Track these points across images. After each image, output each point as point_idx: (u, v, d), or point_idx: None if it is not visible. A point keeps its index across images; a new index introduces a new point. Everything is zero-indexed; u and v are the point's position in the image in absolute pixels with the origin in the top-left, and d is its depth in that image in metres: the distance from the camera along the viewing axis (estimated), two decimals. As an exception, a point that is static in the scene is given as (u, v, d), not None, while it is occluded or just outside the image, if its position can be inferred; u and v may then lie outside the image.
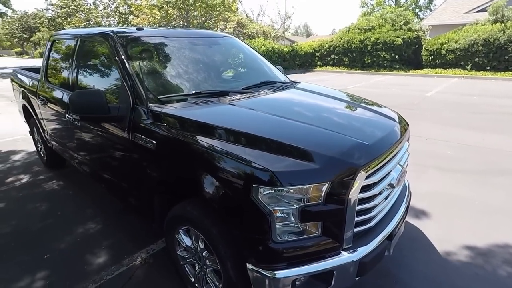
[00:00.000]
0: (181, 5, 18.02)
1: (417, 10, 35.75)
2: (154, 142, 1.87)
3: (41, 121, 3.69)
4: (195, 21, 20.61)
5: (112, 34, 2.38)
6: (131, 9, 22.35)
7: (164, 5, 18.14)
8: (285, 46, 18.17)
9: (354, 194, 1.51)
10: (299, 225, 1.49)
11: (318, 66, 18.73)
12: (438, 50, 15.29)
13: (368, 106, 2.30)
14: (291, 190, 1.42)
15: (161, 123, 1.88)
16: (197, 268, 1.94)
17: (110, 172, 2.59)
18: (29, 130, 4.54)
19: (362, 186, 1.56)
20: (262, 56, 3.36)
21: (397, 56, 15.99)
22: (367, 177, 1.56)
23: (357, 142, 1.64)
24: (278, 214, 1.45)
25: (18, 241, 2.73)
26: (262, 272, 1.50)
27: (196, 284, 1.98)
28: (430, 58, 15.72)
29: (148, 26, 20.57)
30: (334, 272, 1.55)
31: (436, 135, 5.51)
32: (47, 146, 3.90)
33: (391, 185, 1.79)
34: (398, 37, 15.83)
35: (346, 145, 1.61)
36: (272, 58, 16.43)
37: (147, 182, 2.04)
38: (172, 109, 1.96)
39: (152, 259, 2.45)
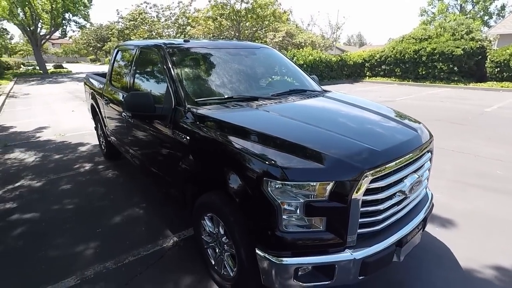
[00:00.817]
0: (234, 17, 18.96)
1: (486, 17, 32.80)
2: (188, 138, 2.18)
3: (104, 118, 4.31)
4: (246, 31, 21.49)
5: (162, 45, 2.79)
6: (189, 21, 24.04)
7: (218, 17, 19.25)
8: (333, 56, 18.02)
9: (358, 195, 1.62)
10: (304, 219, 1.65)
11: (367, 77, 18.20)
12: (506, 61, 13.93)
13: (390, 116, 2.36)
14: (298, 186, 1.59)
15: (195, 122, 2.19)
16: (217, 252, 2.19)
17: (153, 164, 2.97)
18: (94, 126, 5.26)
19: (368, 188, 1.66)
20: (297, 66, 3.54)
21: (455, 68, 14.90)
22: (373, 181, 1.66)
23: (366, 148, 1.75)
24: (285, 206, 1.63)
25: (79, 216, 3.25)
26: (268, 257, 1.68)
27: (216, 267, 2.22)
28: (496, 70, 14.37)
29: (197, 38, 21.97)
30: (336, 266, 1.67)
31: (488, 153, 5.12)
32: (107, 140, 4.51)
33: (402, 192, 1.85)
34: (458, 47, 14.77)
35: (354, 149, 1.73)
36: (319, 67, 16.43)
37: (181, 173, 2.35)
38: (205, 110, 2.25)
39: (182, 243, 2.76)
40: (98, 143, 5.46)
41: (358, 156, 1.69)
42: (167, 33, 29.73)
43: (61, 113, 9.06)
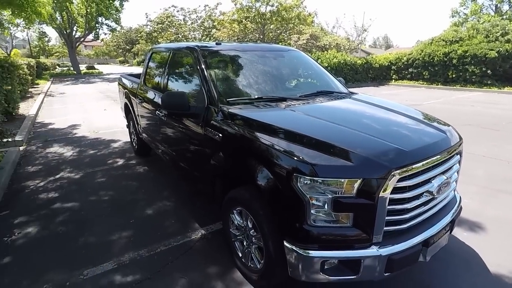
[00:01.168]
0: (259, 19, 19.16)
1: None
2: (220, 135, 2.31)
3: (137, 116, 4.55)
4: (270, 34, 21.64)
5: (196, 47, 2.95)
6: (214, 24, 24.54)
7: (243, 20, 19.53)
8: (358, 58, 17.76)
9: (385, 193, 1.67)
10: (331, 214, 1.71)
11: (393, 80, 17.77)
12: (545, 65, 13.15)
13: (419, 118, 2.37)
14: (326, 182, 1.67)
15: (227, 120, 2.31)
16: (244, 244, 2.29)
17: (183, 159, 3.14)
18: (127, 124, 5.55)
19: (395, 187, 1.71)
20: (324, 69, 3.59)
21: (489, 71, 14.24)
22: (400, 180, 1.71)
23: (394, 147, 1.79)
24: (314, 201, 1.70)
25: (113, 207, 3.48)
26: (296, 249, 1.76)
27: (243, 259, 2.32)
28: (534, 74, 13.59)
29: (227, 40, 22.35)
30: (362, 262, 1.73)
31: (522, 160, 4.91)
32: (139, 137, 4.76)
33: (429, 193, 1.88)
34: (492, 49, 14.11)
35: (382, 149, 1.78)
36: (343, 70, 16.25)
37: (211, 169, 2.47)
38: (237, 109, 2.37)
39: (210, 236, 2.90)
40: (129, 140, 5.75)
41: (386, 155, 1.74)
42: (193, 36, 30.50)
43: (94, 111, 9.57)
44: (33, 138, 6.54)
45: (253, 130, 2.10)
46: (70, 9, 23.06)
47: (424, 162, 1.81)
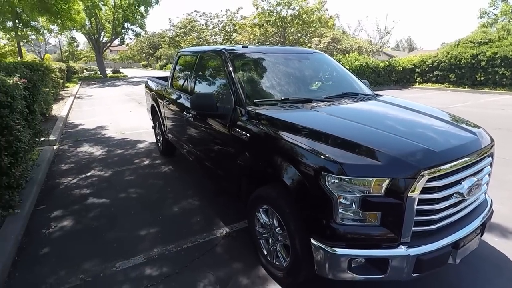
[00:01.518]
0: (279, 23, 19.25)
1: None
2: (247, 135, 2.37)
3: (163, 118, 4.72)
4: (291, 37, 21.67)
5: (224, 50, 3.04)
6: (235, 28, 24.87)
7: (264, 23, 19.68)
8: (380, 61, 17.44)
9: (414, 193, 1.67)
10: (359, 212, 1.73)
11: (417, 83, 17.31)
12: None
13: (448, 119, 2.34)
14: (354, 180, 1.69)
15: (254, 120, 2.38)
16: (270, 242, 2.33)
17: (209, 159, 3.23)
18: (152, 125, 5.75)
19: (424, 187, 1.70)
20: (348, 71, 3.60)
21: (521, 74, 13.58)
22: (429, 180, 1.70)
23: (423, 148, 1.79)
24: (342, 200, 1.73)
25: (141, 204, 3.62)
26: (323, 247, 1.79)
27: (268, 257, 2.37)
28: None
29: (251, 43, 22.57)
30: (390, 261, 1.73)
31: (558, 166, 4.67)
32: (164, 138, 4.93)
33: (460, 194, 1.85)
34: (524, 51, 13.47)
35: (411, 149, 1.78)
36: (365, 73, 16.01)
37: (237, 168, 2.54)
38: (264, 110, 2.43)
39: (235, 234, 2.96)
40: (154, 141, 5.95)
41: (415, 155, 1.74)
42: (214, 40, 31.05)
43: (120, 113, 9.95)
44: (65, 138, 6.89)
45: (279, 130, 2.15)
46: (98, 15, 24.12)
47: (453, 163, 1.79)
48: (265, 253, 2.40)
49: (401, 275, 1.77)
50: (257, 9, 19.69)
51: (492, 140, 2.22)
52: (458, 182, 1.86)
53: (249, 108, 2.50)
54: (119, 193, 3.95)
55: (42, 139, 5.72)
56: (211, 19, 31.67)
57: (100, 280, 2.39)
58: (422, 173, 1.67)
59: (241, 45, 3.30)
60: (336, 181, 1.71)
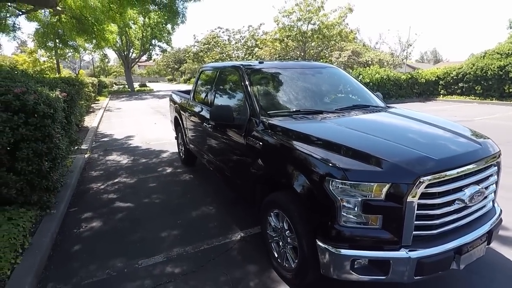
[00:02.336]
0: (300, 37, 19.60)
1: None
2: (261, 144, 2.56)
3: (185, 129, 5.02)
4: (311, 51, 21.95)
5: (241, 66, 3.29)
6: (257, 43, 25.53)
7: (285, 38, 20.11)
8: (402, 73, 17.24)
9: (413, 198, 1.77)
10: (361, 215, 1.85)
11: (441, 95, 16.89)
12: None
13: (454, 129, 2.41)
14: (356, 185, 1.82)
15: (267, 130, 2.56)
16: (280, 245, 2.47)
17: (227, 166, 3.43)
18: (175, 136, 6.08)
19: (424, 193, 1.80)
20: (361, 84, 3.72)
21: (554, 85, 12.96)
22: (428, 186, 1.80)
23: (422, 155, 1.90)
24: (345, 203, 1.86)
25: (163, 209, 3.87)
26: (328, 248, 1.91)
27: (279, 259, 2.50)
28: None
29: (269, 58, 23.04)
30: (391, 263, 1.82)
31: None
32: (186, 148, 5.21)
33: (461, 201, 1.93)
34: (557, 62, 12.89)
35: (411, 157, 1.89)
36: (386, 86, 15.88)
37: (252, 175, 2.72)
38: (276, 121, 2.62)
39: (249, 238, 3.12)
40: (176, 151, 6.27)
41: (414, 162, 1.85)
42: (236, 55, 31.97)
43: (146, 124, 10.48)
44: (95, 147, 7.39)
45: (290, 139, 2.33)
46: (128, 33, 25.66)
47: (454, 171, 1.88)
48: (276, 255, 2.53)
49: (403, 277, 1.85)
50: (278, 24, 20.23)
51: (499, 151, 2.27)
52: (460, 189, 1.93)
53: (263, 119, 2.69)
54: (143, 198, 4.23)
55: (76, 147, 6.21)
56: (233, 34, 32.79)
57: (124, 275, 2.61)
58: (420, 179, 1.77)
59: (258, 61, 3.54)
60: (340, 185, 1.85)
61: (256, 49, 26.29)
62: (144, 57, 31.84)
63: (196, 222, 3.53)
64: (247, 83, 3.04)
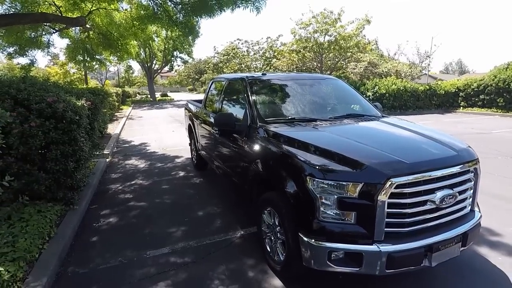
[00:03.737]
0: (316, 49, 19.88)
1: None
2: (257, 147, 2.84)
3: (197, 135, 5.38)
4: (328, 62, 22.14)
5: (245, 78, 3.61)
6: (275, 54, 26.04)
7: (301, 50, 20.46)
8: (420, 85, 17.04)
9: (383, 197, 1.98)
10: (338, 212, 2.07)
11: (461, 107, 16.51)
12: None
13: (435, 137, 2.56)
14: (333, 184, 2.05)
15: (263, 136, 2.85)
16: (272, 240, 2.71)
17: (231, 169, 3.72)
18: (189, 142, 6.47)
19: (395, 193, 2.01)
20: (360, 95, 3.93)
21: None
22: (398, 187, 2.00)
23: (395, 159, 2.11)
24: (323, 200, 2.09)
25: (174, 208, 4.20)
26: (308, 240, 2.14)
27: (270, 253, 2.73)
28: None
29: (286, 69, 23.38)
30: (364, 255, 2.02)
31: None
32: (198, 153, 5.56)
33: (432, 202, 2.11)
34: None
35: (383, 160, 2.11)
36: (403, 97, 15.76)
37: (250, 176, 2.99)
38: (272, 127, 2.90)
39: (248, 236, 3.37)
40: (190, 156, 6.65)
41: (386, 165, 2.06)
42: (254, 66, 32.67)
43: (164, 132, 11.02)
44: (116, 152, 7.92)
45: (279, 143, 2.60)
46: (152, 46, 26.96)
47: (424, 174, 2.07)
48: (269, 249, 2.77)
49: (375, 270, 2.04)
50: (294, 36, 20.65)
51: (475, 158, 2.42)
52: (432, 191, 2.11)
53: (260, 125, 2.98)
54: (155, 198, 4.59)
55: (98, 152, 6.72)
56: (252, 46, 33.63)
57: (133, 263, 2.94)
58: (390, 180, 1.98)
59: (261, 73, 3.85)
60: (319, 184, 2.09)
61: (274, 60, 26.78)
62: (166, 68, 33.15)
63: (201, 220, 3.82)
64: (248, 93, 3.34)
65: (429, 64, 21.79)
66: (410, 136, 2.64)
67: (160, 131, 11.34)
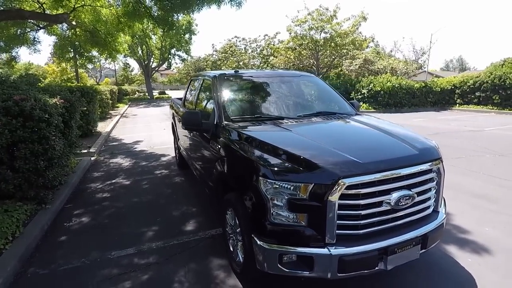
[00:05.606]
0: (312, 46, 19.74)
1: None
2: (219, 146, 2.78)
3: (178, 134, 5.32)
4: (325, 60, 21.98)
5: (216, 75, 3.54)
6: (272, 52, 25.90)
7: (297, 47, 20.33)
8: (415, 82, 16.90)
9: (334, 198, 1.91)
10: (289, 213, 2.01)
11: (457, 105, 16.37)
12: None
13: (400, 136, 2.47)
14: (284, 185, 1.99)
15: (225, 134, 2.78)
16: (234, 241, 2.65)
17: (201, 168, 3.66)
18: (174, 140, 6.41)
19: (347, 194, 1.94)
20: (336, 93, 3.84)
21: None
22: (350, 188, 1.94)
23: (348, 159, 2.03)
24: (275, 201, 2.03)
25: (149, 207, 4.15)
26: (260, 243, 2.08)
27: (233, 254, 2.67)
28: None
29: (283, 67, 23.24)
30: (314, 259, 1.96)
31: None
32: (179, 151, 5.51)
33: (387, 204, 2.04)
34: None
35: (336, 159, 2.04)
36: (398, 94, 15.64)
37: (215, 176, 2.93)
38: (234, 126, 2.83)
39: (217, 237, 3.31)
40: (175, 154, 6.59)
41: (338, 165, 1.99)
42: (252, 63, 32.52)
43: (156, 130, 10.97)
44: (104, 150, 7.87)
45: (239, 142, 2.53)
46: (149, 43, 26.91)
47: (378, 174, 2.00)
48: (232, 250, 2.71)
49: (327, 274, 1.98)
50: (290, 33, 20.49)
51: (438, 158, 2.34)
52: (387, 192, 2.04)
53: (225, 124, 2.91)
54: (133, 197, 4.54)
55: (79, 151, 6.65)
56: (250, 43, 33.46)
57: (96, 263, 2.89)
58: (341, 181, 1.91)
59: (234, 70, 3.77)
60: (270, 185, 2.02)
61: (272, 57, 26.63)
62: (164, 66, 33.06)
63: (174, 220, 3.77)
64: (217, 90, 3.28)
65: (425, 61, 21.57)
66: (373, 135, 2.56)
67: (152, 129, 11.30)
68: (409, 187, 2.13)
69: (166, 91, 43.23)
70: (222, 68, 33.86)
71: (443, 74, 39.54)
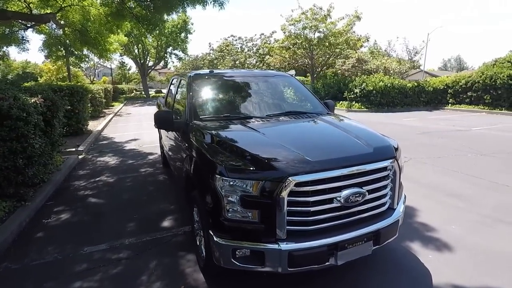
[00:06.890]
0: (306, 45, 19.81)
1: None
2: (187, 145, 2.85)
3: (161, 133, 5.39)
4: (320, 59, 22.04)
5: (190, 75, 3.61)
6: (268, 50, 25.95)
7: (291, 46, 20.39)
8: (408, 81, 17.00)
9: (283, 195, 1.99)
10: (242, 209, 2.09)
11: (450, 104, 16.48)
12: None
13: (359, 135, 2.55)
14: (236, 182, 2.07)
15: (192, 133, 2.86)
16: (200, 237, 2.73)
17: (177, 167, 3.73)
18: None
19: (296, 191, 2.02)
20: (310, 92, 3.91)
21: None
22: (298, 185, 2.01)
23: (299, 157, 2.11)
24: (229, 198, 2.10)
25: (128, 205, 4.23)
26: (215, 238, 2.15)
27: (199, 250, 2.75)
28: None
29: (278, 66, 23.29)
30: (265, 254, 2.04)
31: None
32: (162, 150, 5.58)
33: (338, 201, 2.12)
34: None
35: (287, 157, 2.12)
36: (390, 94, 15.73)
37: (184, 173, 3.01)
38: (201, 125, 2.90)
39: (190, 233, 3.39)
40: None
41: (287, 163, 2.07)
42: (248, 62, 32.54)
43: (147, 129, 11.01)
44: (93, 148, 7.94)
45: (202, 140, 2.60)
46: (145, 42, 26.92)
47: (327, 172, 2.07)
48: (198, 244, 2.79)
49: (277, 268, 2.06)
50: (284, 33, 20.55)
51: (394, 156, 2.42)
52: (337, 189, 2.12)
53: (194, 123, 2.99)
54: (114, 195, 4.62)
55: (72, 149, 6.72)
56: (246, 42, 33.50)
57: (68, 258, 2.97)
58: (289, 178, 1.99)
59: (209, 70, 3.84)
60: (224, 182, 2.10)
61: (267, 56, 26.67)
62: (161, 65, 33.07)
63: (151, 217, 3.85)
64: (190, 90, 3.35)
65: (419, 61, 21.65)
66: (333, 134, 2.65)
67: (144, 128, 11.35)
68: (360, 184, 2.20)
69: (163, 90, 43.18)
70: (219, 67, 33.89)
71: (440, 73, 39.68)
